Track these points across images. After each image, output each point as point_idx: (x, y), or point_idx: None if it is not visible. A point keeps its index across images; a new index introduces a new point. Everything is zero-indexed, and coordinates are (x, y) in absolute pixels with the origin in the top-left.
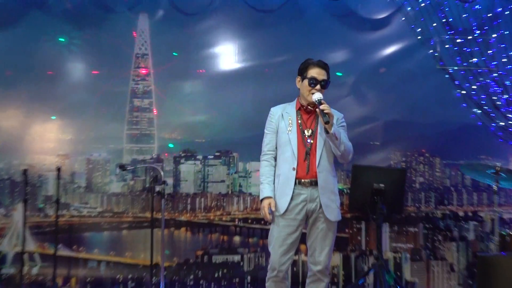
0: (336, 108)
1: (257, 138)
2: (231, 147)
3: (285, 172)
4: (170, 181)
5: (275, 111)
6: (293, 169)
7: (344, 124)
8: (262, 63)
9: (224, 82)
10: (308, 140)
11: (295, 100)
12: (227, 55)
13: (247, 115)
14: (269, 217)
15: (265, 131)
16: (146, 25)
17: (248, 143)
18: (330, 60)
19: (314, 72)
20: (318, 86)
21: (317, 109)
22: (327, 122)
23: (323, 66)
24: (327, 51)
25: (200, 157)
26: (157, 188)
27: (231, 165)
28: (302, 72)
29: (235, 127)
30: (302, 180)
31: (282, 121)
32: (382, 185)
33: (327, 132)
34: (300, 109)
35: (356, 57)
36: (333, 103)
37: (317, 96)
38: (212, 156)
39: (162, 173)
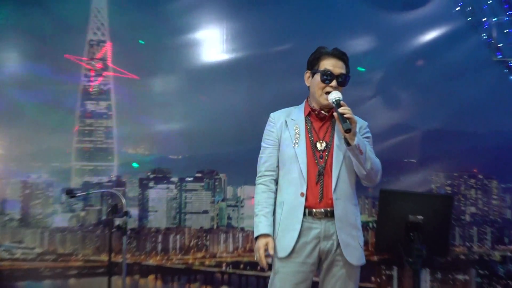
0: (357, 114)
1: (252, 154)
2: (217, 166)
3: (291, 200)
4: (134, 211)
5: (277, 118)
6: (302, 195)
7: (369, 135)
8: (258, 54)
9: (208, 78)
10: (322, 156)
11: (304, 102)
12: (212, 43)
13: (239, 122)
14: (264, 262)
15: (263, 144)
16: (103, 3)
17: (240, 161)
18: (349, 50)
19: (329, 64)
20: (334, 83)
21: (334, 113)
22: (348, 131)
23: (341, 56)
24: (345, 38)
25: (175, 179)
26: (117, 221)
27: (217, 191)
28: (312, 65)
29: (223, 139)
30: (314, 210)
31: (286, 130)
32: (420, 217)
33: (348, 144)
34: (311, 114)
35: (384, 46)
36: (353, 108)
37: (334, 95)
38: (192, 178)
39: (124, 201)
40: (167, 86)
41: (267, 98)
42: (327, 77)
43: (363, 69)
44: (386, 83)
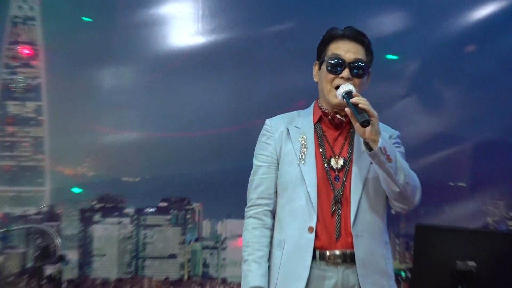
0: (385, 119)
1: (239, 175)
2: (189, 192)
3: (295, 238)
4: (73, 255)
5: (275, 125)
6: (310, 230)
7: (402, 149)
8: (246, 36)
9: (177, 70)
10: (338, 178)
11: (312, 105)
12: (183, 21)
13: (220, 131)
14: None
15: (255, 162)
16: None
17: (222, 185)
18: (372, 32)
19: (338, 48)
20: (345, 72)
21: (346, 109)
22: (365, 123)
23: (355, 36)
24: (369, 14)
25: (130, 210)
26: (49, 270)
27: (189, 226)
28: (320, 53)
29: (198, 154)
30: (328, 253)
31: (289, 142)
32: (472, 263)
33: (370, 148)
34: (322, 120)
35: (421, 27)
36: (379, 110)
37: (344, 88)
38: (154, 209)
39: (58, 242)
40: (121, 80)
41: (259, 97)
42: (336, 64)
43: (394, 57)
44: (424, 76)
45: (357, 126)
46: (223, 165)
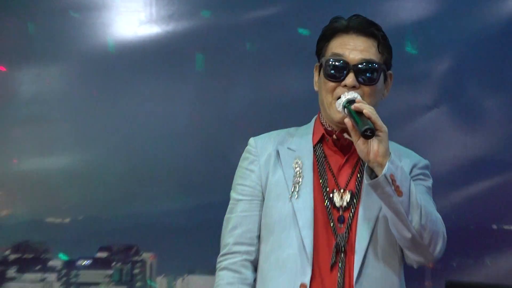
0: (405, 139)
1: (208, 214)
2: (137, 238)
3: None
4: None
5: (261, 146)
6: None
7: (428, 182)
8: (215, 25)
9: (122, 70)
10: (343, 219)
11: (312, 121)
12: (130, 4)
13: (184, 152)
14: None
15: (233, 194)
16: None
17: (182, 229)
18: (389, 18)
19: (342, 45)
20: (350, 78)
21: (346, 120)
22: (368, 132)
23: (365, 28)
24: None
25: (57, 263)
26: None
27: (137, 284)
28: (320, 52)
29: (150, 186)
30: None
31: (278, 169)
32: None
33: (374, 175)
34: (324, 141)
35: (453, 15)
36: (397, 126)
37: (347, 95)
38: (89, 261)
39: None
40: (45, 85)
41: (236, 107)
42: (336, 68)
43: (414, 51)
44: (457, 80)
45: (359, 143)
46: (186, 201)
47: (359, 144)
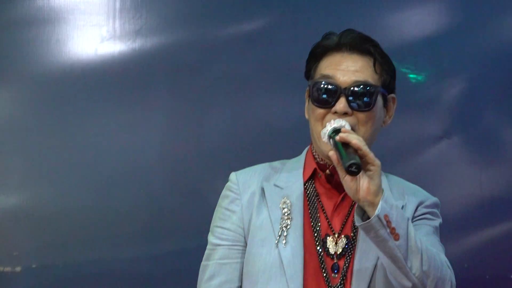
0: (412, 173)
1: (182, 261)
2: (98, 287)
3: None
4: None
5: (244, 182)
6: None
7: (436, 221)
8: (190, 41)
9: (80, 92)
10: (337, 268)
11: (303, 153)
12: (90, 17)
13: (152, 190)
14: None
15: (211, 238)
16: None
17: (152, 277)
18: (389, 38)
19: (332, 65)
20: (341, 104)
21: (330, 152)
22: (353, 168)
23: (359, 45)
24: (379, 13)
25: None
26: None
27: None
28: (309, 74)
29: (114, 229)
30: None
31: (264, 209)
32: None
33: (366, 216)
34: (316, 177)
35: (465, 33)
36: (403, 158)
37: (333, 124)
38: None
39: None
40: None
41: (214, 136)
42: (325, 92)
43: (418, 77)
44: (471, 107)
45: (346, 179)
46: (155, 247)
47: (347, 181)
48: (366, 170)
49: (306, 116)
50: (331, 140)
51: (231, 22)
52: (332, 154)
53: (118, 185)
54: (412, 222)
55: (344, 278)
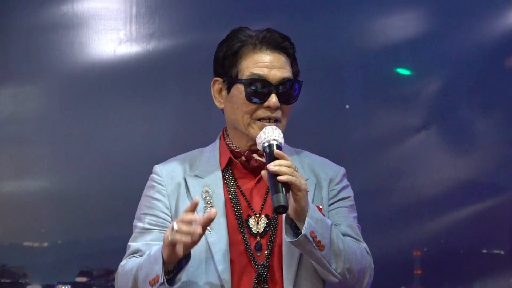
0: (394, 160)
1: None
2: (118, 262)
3: None
4: None
5: (168, 174)
6: None
7: (349, 193)
8: (198, 43)
9: (100, 90)
10: (261, 246)
11: (217, 141)
12: (109, 22)
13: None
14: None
15: (138, 223)
16: None
17: None
18: (378, 39)
19: (259, 63)
20: (273, 99)
21: (263, 172)
22: (280, 209)
23: (280, 44)
24: (369, 16)
25: None
26: None
27: None
28: (225, 68)
29: (130, 209)
30: None
31: (188, 199)
32: None
33: (297, 234)
34: (232, 164)
35: (445, 34)
36: (386, 147)
37: (268, 134)
38: (69, 286)
39: None
40: (22, 105)
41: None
42: (261, 90)
43: (406, 72)
44: (448, 101)
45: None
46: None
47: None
48: (294, 194)
49: (220, 106)
50: (265, 151)
51: (237, 25)
52: (264, 174)
53: (134, 171)
54: (330, 205)
55: (269, 256)
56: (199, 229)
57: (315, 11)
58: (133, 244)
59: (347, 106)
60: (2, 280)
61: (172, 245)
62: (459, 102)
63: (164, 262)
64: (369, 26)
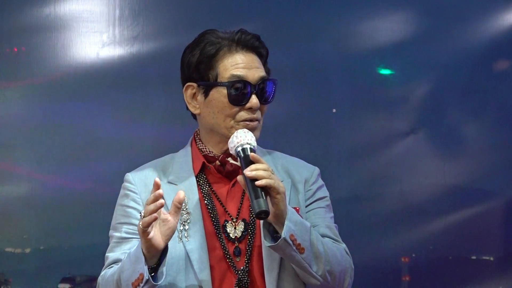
0: (380, 166)
1: None
2: (100, 267)
3: None
4: None
5: (141, 181)
6: None
7: (324, 193)
8: (184, 46)
9: (84, 93)
10: (239, 251)
11: (188, 145)
12: (92, 24)
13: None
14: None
15: (114, 233)
16: None
17: None
18: (363, 41)
19: (237, 65)
20: (254, 100)
21: (239, 177)
22: (262, 214)
23: (253, 43)
24: (354, 18)
25: None
26: None
27: None
28: (201, 72)
29: (113, 211)
30: None
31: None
32: None
33: (276, 238)
34: (206, 168)
35: (432, 36)
36: (372, 152)
37: (241, 137)
38: None
39: None
40: (5, 108)
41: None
42: (240, 92)
43: (387, 71)
44: (436, 105)
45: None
46: None
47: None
48: (273, 198)
49: (196, 111)
50: (239, 156)
51: (223, 27)
52: (240, 179)
53: (117, 175)
54: (307, 206)
55: (248, 260)
56: (161, 201)
57: (300, 14)
58: (111, 255)
59: (334, 110)
60: None
61: (147, 236)
62: (447, 106)
63: (146, 259)
64: (355, 29)
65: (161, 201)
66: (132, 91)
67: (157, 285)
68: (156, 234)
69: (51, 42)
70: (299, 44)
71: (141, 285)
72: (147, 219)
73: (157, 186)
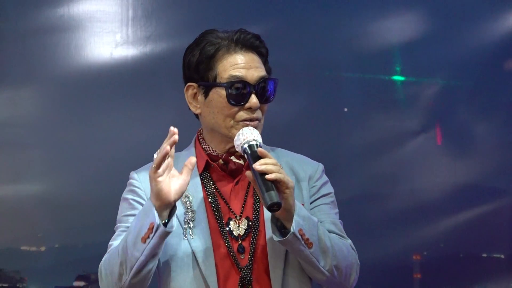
0: (392, 164)
1: None
2: None
3: None
4: None
5: (144, 180)
6: None
7: (329, 190)
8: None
9: (97, 93)
10: (243, 249)
11: (192, 144)
12: (105, 25)
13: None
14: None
15: (122, 225)
16: None
17: None
18: (374, 43)
19: (236, 66)
20: (253, 100)
21: (247, 172)
22: (274, 206)
23: (253, 43)
24: (366, 19)
25: None
26: None
27: None
28: (200, 72)
29: None
30: None
31: None
32: None
33: (283, 233)
34: (210, 167)
35: (443, 37)
36: (384, 151)
37: (246, 135)
38: None
39: None
40: (18, 109)
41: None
42: (239, 92)
43: (400, 78)
44: (447, 104)
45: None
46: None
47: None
48: (282, 192)
49: (197, 111)
50: (245, 154)
51: (234, 28)
52: (250, 175)
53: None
54: (312, 203)
55: (252, 257)
56: (175, 137)
57: (312, 14)
58: (114, 243)
59: (345, 109)
60: (0, 285)
61: (157, 177)
62: (458, 105)
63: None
64: (367, 29)
65: (175, 137)
66: (145, 91)
67: (169, 232)
68: (166, 182)
69: (65, 42)
70: (310, 44)
71: (151, 236)
72: (160, 154)
73: (172, 132)
